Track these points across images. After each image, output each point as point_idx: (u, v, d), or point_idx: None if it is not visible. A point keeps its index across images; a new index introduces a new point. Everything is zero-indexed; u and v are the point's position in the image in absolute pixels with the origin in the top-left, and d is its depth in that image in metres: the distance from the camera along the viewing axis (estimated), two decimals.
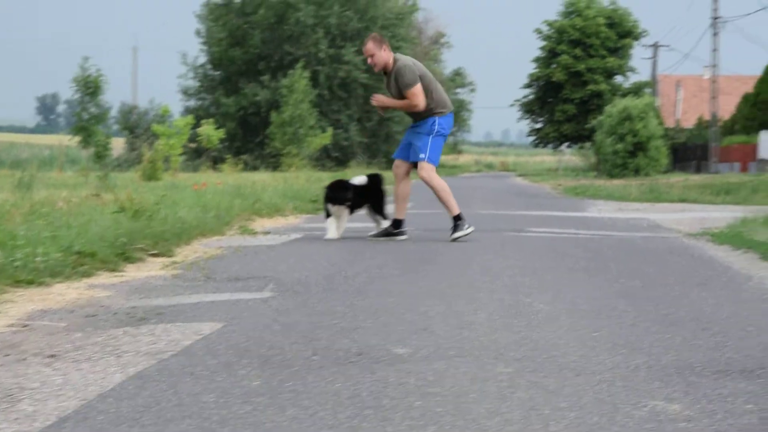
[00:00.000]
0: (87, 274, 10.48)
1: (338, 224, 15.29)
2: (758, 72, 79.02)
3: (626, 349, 6.89)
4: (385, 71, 15.07)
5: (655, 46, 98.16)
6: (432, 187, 15.19)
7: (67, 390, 5.57)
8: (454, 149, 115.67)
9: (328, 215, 15.37)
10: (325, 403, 5.32)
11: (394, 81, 14.88)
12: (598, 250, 14.37)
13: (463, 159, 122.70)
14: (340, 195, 15.19)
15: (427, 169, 15.13)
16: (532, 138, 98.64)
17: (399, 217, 15.26)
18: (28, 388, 5.63)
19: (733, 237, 15.49)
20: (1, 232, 11.29)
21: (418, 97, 14.71)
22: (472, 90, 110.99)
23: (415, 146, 15.12)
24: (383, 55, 14.85)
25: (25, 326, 7.62)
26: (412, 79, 14.68)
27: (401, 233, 15.18)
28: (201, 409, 5.16)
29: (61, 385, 5.70)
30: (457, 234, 14.70)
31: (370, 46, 14.91)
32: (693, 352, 6.79)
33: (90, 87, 40.44)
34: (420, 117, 15.15)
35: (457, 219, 14.93)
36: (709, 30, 79.74)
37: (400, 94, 14.90)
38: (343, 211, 15.25)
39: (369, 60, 15.15)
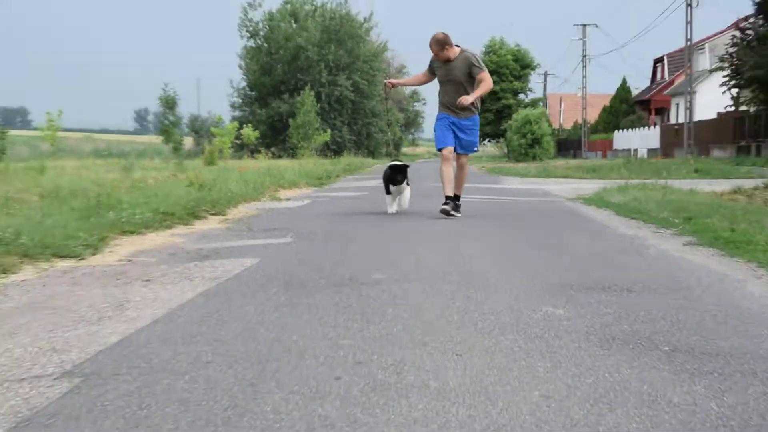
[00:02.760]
0: (169, 227, 10.50)
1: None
2: (612, 91, 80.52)
3: (527, 272, 6.94)
4: (448, 61, 12.05)
5: (545, 74, 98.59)
6: (464, 173, 12.65)
7: (158, 303, 5.61)
8: (413, 143, 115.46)
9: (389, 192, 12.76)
10: (328, 310, 5.36)
11: (461, 65, 12.03)
12: (509, 209, 14.41)
13: (419, 150, 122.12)
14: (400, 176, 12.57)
15: (467, 158, 12.69)
16: None
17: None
18: (133, 301, 5.67)
19: (597, 200, 15.59)
20: (112, 199, 11.32)
21: (489, 77, 12.32)
22: (424, 103, 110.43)
23: (470, 141, 12.36)
24: (445, 53, 11.98)
25: (129, 261, 7.64)
26: (483, 64, 12.31)
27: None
28: (245, 315, 5.20)
29: (153, 299, 5.74)
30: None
31: (435, 48, 12.04)
32: (571, 275, 6.84)
33: (169, 103, 40.43)
34: (470, 112, 12.29)
35: (457, 199, 12.33)
36: (580, 64, 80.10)
37: (465, 77, 12.07)
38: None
39: (435, 55, 12.12)
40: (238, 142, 55.56)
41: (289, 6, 76.17)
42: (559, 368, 4.04)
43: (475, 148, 12.76)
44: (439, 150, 12.40)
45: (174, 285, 6.32)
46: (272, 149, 59.33)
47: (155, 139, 46.43)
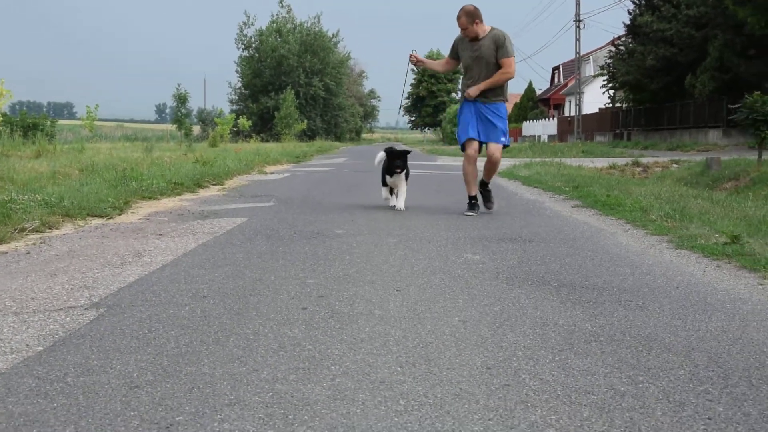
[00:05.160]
0: (179, 193, 10.36)
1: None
2: (521, 91, 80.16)
3: (453, 228, 6.93)
4: (476, 39, 8.15)
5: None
6: (494, 164, 8.59)
7: (167, 251, 5.52)
8: (370, 131, 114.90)
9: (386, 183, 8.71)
10: (299, 257, 5.31)
11: (490, 44, 8.16)
12: (441, 180, 14.40)
13: (375, 136, 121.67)
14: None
15: (501, 150, 8.54)
16: (410, 125, 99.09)
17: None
18: (148, 250, 5.58)
19: (509, 173, 15.62)
20: (135, 172, 11.12)
21: (514, 66, 8.31)
22: (379, 100, 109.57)
23: (498, 129, 8.33)
24: (475, 28, 8.12)
25: (147, 219, 7.53)
26: (513, 50, 8.31)
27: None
28: (235, 261, 5.13)
29: (164, 249, 5.65)
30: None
31: (464, 20, 8.16)
32: (486, 230, 6.85)
33: (181, 99, 40.09)
34: (495, 98, 8.37)
35: (485, 186, 8.67)
36: None
37: (495, 57, 8.18)
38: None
39: (463, 32, 8.21)
40: (235, 129, 55.01)
41: (275, 24, 75.42)
42: (474, 300, 4.03)
43: (504, 139, 8.44)
44: (462, 146, 8.55)
45: (181, 238, 6.23)
46: (261, 135, 59.00)
47: (171, 127, 45.94)
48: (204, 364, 2.86)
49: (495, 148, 8.44)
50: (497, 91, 8.39)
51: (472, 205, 8.45)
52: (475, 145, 8.36)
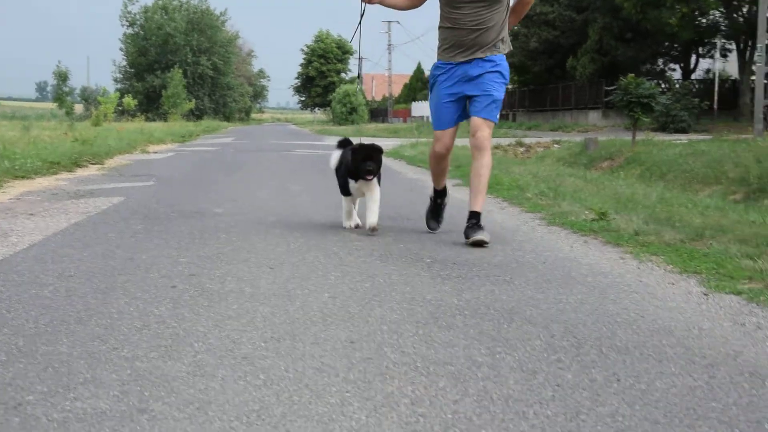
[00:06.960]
0: (55, 173, 10.04)
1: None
2: (411, 72, 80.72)
3: (335, 207, 6.87)
4: None
5: (360, 58, 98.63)
6: (485, 158, 5.27)
7: (37, 231, 5.33)
8: (260, 111, 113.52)
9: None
10: (175, 236, 5.23)
11: None
12: (327, 160, 14.37)
13: (265, 116, 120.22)
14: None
15: (491, 130, 5.33)
16: (299, 105, 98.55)
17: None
18: (16, 230, 5.37)
19: (395, 153, 15.77)
20: (8, 151, 10.73)
21: None
22: (269, 80, 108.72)
23: (489, 97, 5.20)
24: None
25: (18, 199, 7.25)
26: None
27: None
28: (107, 240, 5.01)
29: (33, 228, 5.45)
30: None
31: None
32: (386, 210, 6.89)
33: (62, 76, 38.84)
34: (495, 48, 5.24)
35: (476, 217, 5.27)
36: (386, 50, 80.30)
37: None
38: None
39: None
40: (120, 108, 53.55)
41: (161, 2, 73.48)
42: (346, 276, 4.05)
43: (495, 112, 5.31)
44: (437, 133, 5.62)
45: (52, 218, 6.03)
46: (147, 114, 57.49)
47: (52, 106, 44.30)
48: (62, 344, 2.79)
49: (487, 126, 5.31)
50: (497, 33, 5.33)
51: (435, 208, 5.87)
52: (449, 138, 5.54)
